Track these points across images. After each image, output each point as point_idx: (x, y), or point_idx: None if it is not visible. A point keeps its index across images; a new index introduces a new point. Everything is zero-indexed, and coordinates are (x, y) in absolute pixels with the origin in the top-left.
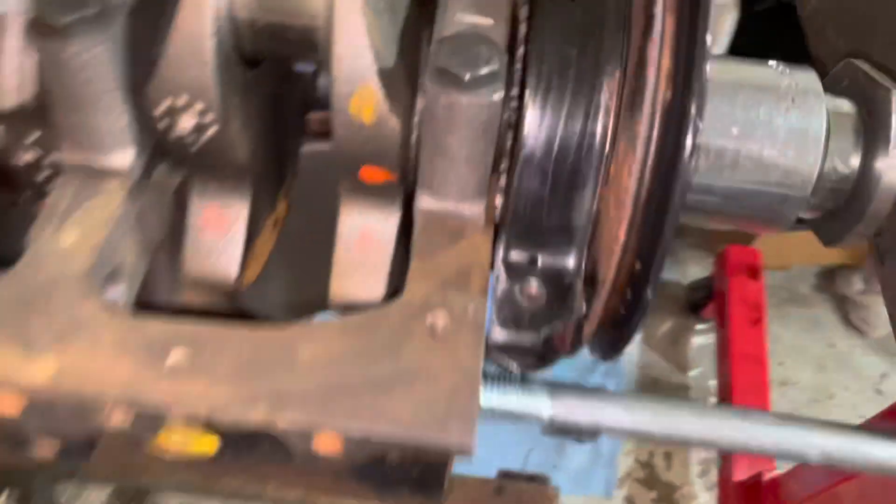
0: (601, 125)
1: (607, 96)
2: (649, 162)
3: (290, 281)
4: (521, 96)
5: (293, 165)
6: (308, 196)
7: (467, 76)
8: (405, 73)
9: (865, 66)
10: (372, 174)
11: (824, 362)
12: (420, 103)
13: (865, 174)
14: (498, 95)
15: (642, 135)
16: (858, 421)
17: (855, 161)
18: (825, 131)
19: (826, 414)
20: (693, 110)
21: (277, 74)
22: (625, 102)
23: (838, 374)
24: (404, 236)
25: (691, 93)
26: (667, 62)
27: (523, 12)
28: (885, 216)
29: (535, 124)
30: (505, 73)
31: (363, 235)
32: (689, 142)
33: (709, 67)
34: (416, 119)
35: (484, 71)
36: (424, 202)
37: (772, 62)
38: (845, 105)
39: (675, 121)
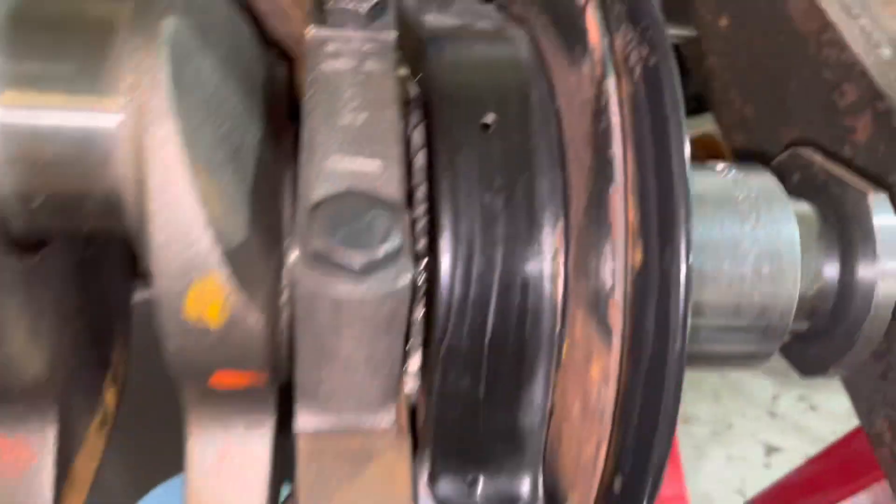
0: (547, 294)
1: (550, 257)
2: (624, 354)
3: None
4: (431, 260)
5: (123, 328)
6: (151, 350)
7: (359, 263)
8: (263, 242)
9: (818, 158)
10: (228, 379)
11: (719, 392)
12: (288, 277)
13: (851, 287)
14: (405, 279)
15: (613, 315)
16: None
17: (831, 273)
18: (799, 244)
19: (729, 445)
20: (682, 277)
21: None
22: (574, 264)
23: (733, 402)
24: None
25: (675, 254)
26: (633, 214)
27: (417, 139)
28: (885, 332)
29: (458, 299)
30: (410, 243)
31: (223, 457)
32: (680, 321)
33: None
34: (283, 298)
35: (382, 251)
36: (307, 420)
37: (718, 166)
38: (805, 208)
39: (656, 290)
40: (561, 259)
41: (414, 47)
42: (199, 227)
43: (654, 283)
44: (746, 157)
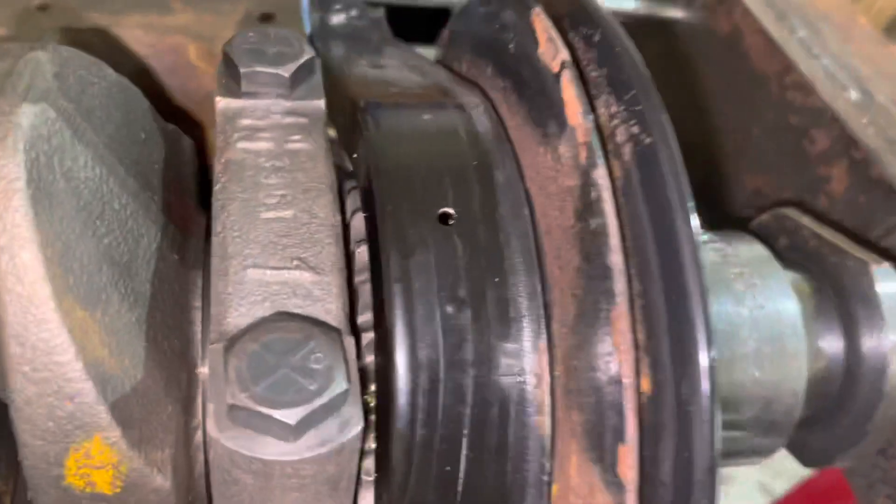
0: (531, 428)
1: (533, 381)
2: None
3: None
4: (383, 392)
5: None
6: None
7: (293, 417)
8: (168, 378)
9: (807, 221)
10: None
11: None
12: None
13: (859, 367)
14: (352, 431)
15: (625, 464)
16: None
17: (835, 353)
18: (803, 326)
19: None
20: (706, 412)
21: None
22: (563, 389)
23: None
24: None
25: (695, 382)
26: (636, 331)
27: (356, 228)
28: None
29: (420, 444)
30: (358, 388)
31: None
32: (706, 468)
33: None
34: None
35: (323, 399)
36: None
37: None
38: (797, 278)
39: (673, 431)
40: (546, 384)
41: (343, 109)
42: (76, 376)
43: (669, 421)
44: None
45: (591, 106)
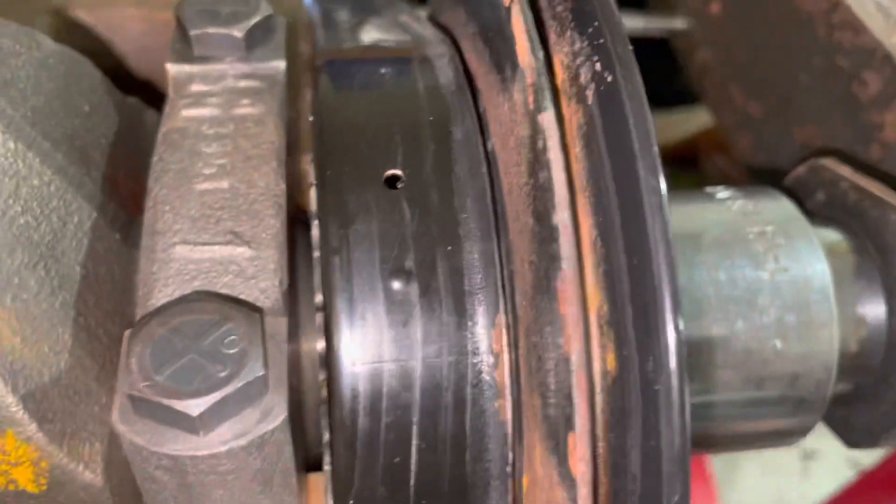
0: (490, 415)
1: (489, 362)
2: None
3: None
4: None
5: None
6: None
7: (195, 409)
8: (102, 366)
9: (847, 171)
10: None
11: None
12: None
13: None
14: (275, 420)
15: (575, 457)
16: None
17: (876, 319)
18: (834, 291)
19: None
20: (675, 392)
21: None
22: (526, 371)
23: None
24: None
25: (663, 358)
26: (599, 302)
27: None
28: None
29: (364, 432)
30: (283, 374)
31: None
32: (676, 457)
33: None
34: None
35: (229, 389)
36: None
37: (720, 192)
38: (834, 236)
39: (639, 415)
40: (506, 365)
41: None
42: None
43: (635, 403)
44: (756, 162)
45: (547, 45)
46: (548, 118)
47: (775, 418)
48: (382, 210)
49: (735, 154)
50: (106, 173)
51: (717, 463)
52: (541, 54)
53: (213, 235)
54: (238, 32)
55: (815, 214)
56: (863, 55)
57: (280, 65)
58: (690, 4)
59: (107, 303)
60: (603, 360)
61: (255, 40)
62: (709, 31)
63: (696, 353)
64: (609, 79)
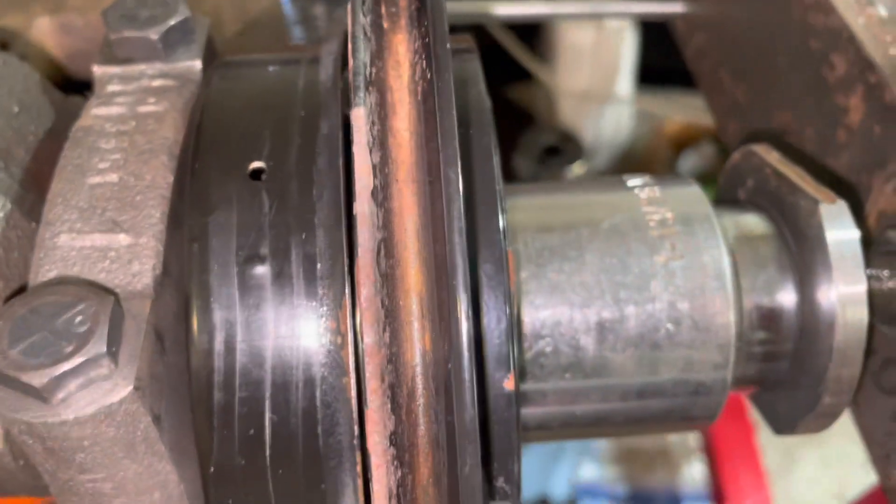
0: (339, 390)
1: (335, 341)
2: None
3: None
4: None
5: None
6: None
7: (38, 380)
8: None
9: (772, 157)
10: None
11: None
12: None
13: (812, 321)
14: (121, 394)
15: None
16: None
17: (788, 305)
18: (731, 277)
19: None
20: (465, 373)
21: None
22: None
23: None
24: None
25: (455, 341)
26: (420, 285)
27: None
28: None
29: (220, 405)
30: (135, 351)
31: None
32: (467, 432)
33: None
34: None
35: (70, 363)
36: None
37: (631, 179)
38: (754, 222)
39: (442, 392)
40: (349, 345)
41: None
42: None
43: (440, 382)
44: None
45: (380, 29)
46: (358, 114)
47: (674, 402)
48: (242, 201)
49: (724, 140)
50: (29, 168)
51: (773, 456)
52: (361, 51)
53: (96, 224)
54: (154, 35)
55: (746, 201)
56: (831, 37)
57: (195, 64)
58: None
59: (18, 286)
60: (422, 342)
61: (172, 42)
62: (703, 13)
63: (582, 354)
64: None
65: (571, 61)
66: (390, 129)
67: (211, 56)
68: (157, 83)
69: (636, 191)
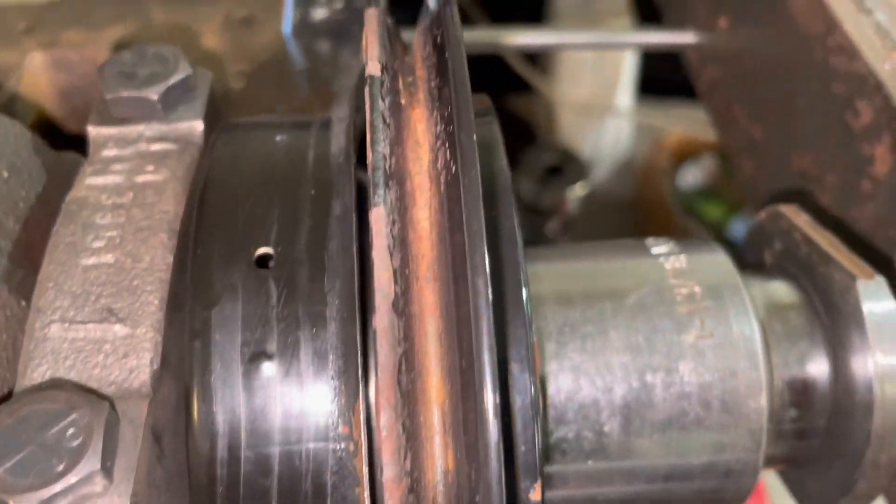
0: None
1: (349, 452)
2: None
3: None
4: None
5: None
6: None
7: (28, 502)
8: None
9: (802, 221)
10: None
11: None
12: None
13: (847, 396)
14: None
15: None
16: None
17: (821, 380)
18: (763, 355)
19: None
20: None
21: None
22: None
23: None
24: None
25: (485, 463)
26: (441, 397)
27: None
28: None
29: None
30: (131, 464)
31: None
32: None
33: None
34: None
35: (61, 484)
36: None
37: (655, 246)
38: (783, 291)
39: None
40: (364, 451)
41: None
42: None
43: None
44: (757, 188)
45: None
46: (377, 215)
47: (703, 485)
48: (248, 291)
49: (740, 177)
50: (20, 239)
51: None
52: (380, 149)
53: (90, 313)
54: (153, 95)
55: (773, 265)
56: (856, 82)
57: (197, 125)
58: (700, 18)
59: (6, 370)
60: (444, 460)
61: (172, 101)
62: (717, 46)
63: (606, 440)
64: (454, 170)
65: (572, 73)
66: (410, 222)
67: (213, 113)
68: (155, 147)
69: (661, 259)
